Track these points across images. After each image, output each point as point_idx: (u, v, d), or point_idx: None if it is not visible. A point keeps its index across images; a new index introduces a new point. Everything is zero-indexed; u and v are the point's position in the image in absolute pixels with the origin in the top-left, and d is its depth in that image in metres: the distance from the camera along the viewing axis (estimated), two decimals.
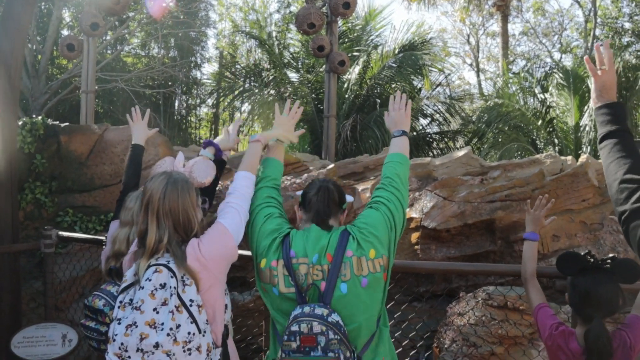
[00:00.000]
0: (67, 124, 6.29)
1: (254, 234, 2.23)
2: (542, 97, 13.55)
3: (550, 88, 13.27)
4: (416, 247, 5.16)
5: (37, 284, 5.38)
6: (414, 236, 5.19)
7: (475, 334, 3.93)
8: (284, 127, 2.61)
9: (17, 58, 4.68)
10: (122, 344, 1.88)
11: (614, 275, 2.16)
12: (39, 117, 6.03)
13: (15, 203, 4.78)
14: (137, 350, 1.87)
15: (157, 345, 1.87)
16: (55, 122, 6.19)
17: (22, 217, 5.64)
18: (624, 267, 2.15)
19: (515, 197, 5.07)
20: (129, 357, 1.87)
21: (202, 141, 2.68)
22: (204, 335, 1.99)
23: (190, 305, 1.97)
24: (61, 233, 4.26)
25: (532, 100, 14.01)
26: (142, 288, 1.95)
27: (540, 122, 13.03)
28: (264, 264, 2.11)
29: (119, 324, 1.92)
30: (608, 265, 2.17)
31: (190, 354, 1.93)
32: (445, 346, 4.08)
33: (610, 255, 2.20)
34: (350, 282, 1.99)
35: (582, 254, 2.26)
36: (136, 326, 1.89)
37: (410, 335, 4.01)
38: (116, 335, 1.90)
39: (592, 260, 2.21)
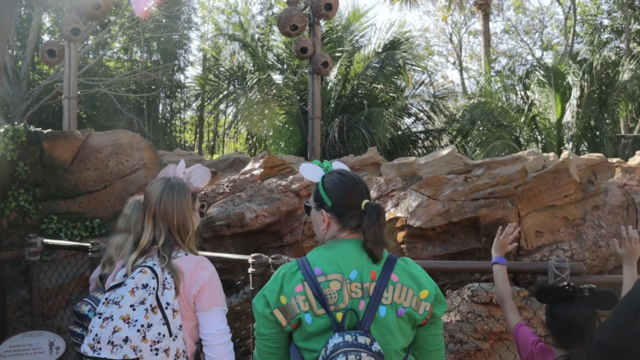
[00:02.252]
0: (49, 130, 6.25)
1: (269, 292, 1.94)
2: (524, 94, 13.73)
3: (532, 85, 13.43)
4: (402, 246, 5.20)
5: (23, 292, 5.34)
6: (400, 235, 5.24)
7: (460, 330, 3.98)
8: None
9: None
10: (96, 335, 1.95)
11: (590, 302, 2.20)
12: (21, 124, 5.98)
13: None
14: (109, 342, 1.93)
15: (126, 340, 1.92)
16: (37, 129, 6.14)
17: (6, 225, 5.59)
18: (601, 298, 2.18)
19: (498, 194, 5.13)
20: (100, 348, 1.94)
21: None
22: (174, 340, 2.02)
23: (166, 308, 2.01)
24: (46, 241, 4.24)
25: (514, 97, 14.18)
26: (125, 285, 2.03)
27: (523, 119, 13.19)
28: (284, 300, 1.84)
29: (99, 317, 1.99)
30: (587, 294, 2.20)
31: (157, 354, 1.97)
32: None
33: (588, 286, 2.23)
34: (389, 307, 1.82)
35: (560, 286, 2.28)
36: (112, 319, 1.96)
37: None
38: (93, 327, 1.97)
39: (570, 289, 2.23)
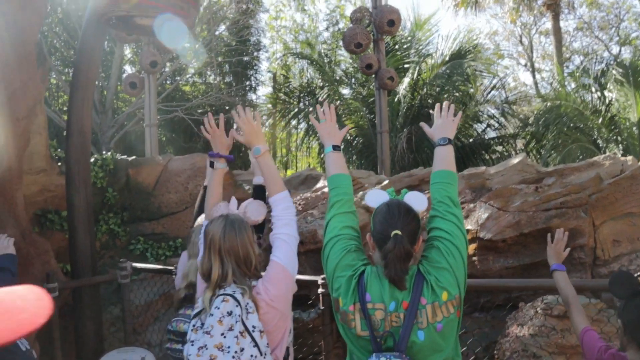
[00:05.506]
0: (134, 157, 6.73)
1: (331, 267, 2.18)
2: (601, 94, 13.14)
3: (608, 84, 12.85)
4: (474, 258, 5.19)
5: (116, 310, 5.77)
6: (471, 248, 5.23)
7: (535, 344, 3.95)
8: (329, 132, 2.61)
9: (88, 104, 5.07)
10: None
11: None
12: (109, 153, 6.49)
13: (93, 236, 5.17)
14: None
15: None
16: (123, 157, 6.64)
17: (98, 247, 6.06)
18: None
19: (570, 204, 5.03)
20: None
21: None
22: (264, 357, 2.22)
23: (253, 331, 2.20)
24: (135, 265, 4.60)
25: (590, 98, 13.61)
26: (212, 315, 2.20)
27: (600, 120, 12.64)
28: (342, 304, 2.08)
29: (192, 345, 2.20)
30: None
31: None
32: (506, 357, 4.11)
33: None
34: (427, 329, 1.96)
35: (635, 275, 2.16)
36: (207, 348, 2.15)
37: (468, 343, 4.07)
38: (190, 355, 2.18)
39: None
